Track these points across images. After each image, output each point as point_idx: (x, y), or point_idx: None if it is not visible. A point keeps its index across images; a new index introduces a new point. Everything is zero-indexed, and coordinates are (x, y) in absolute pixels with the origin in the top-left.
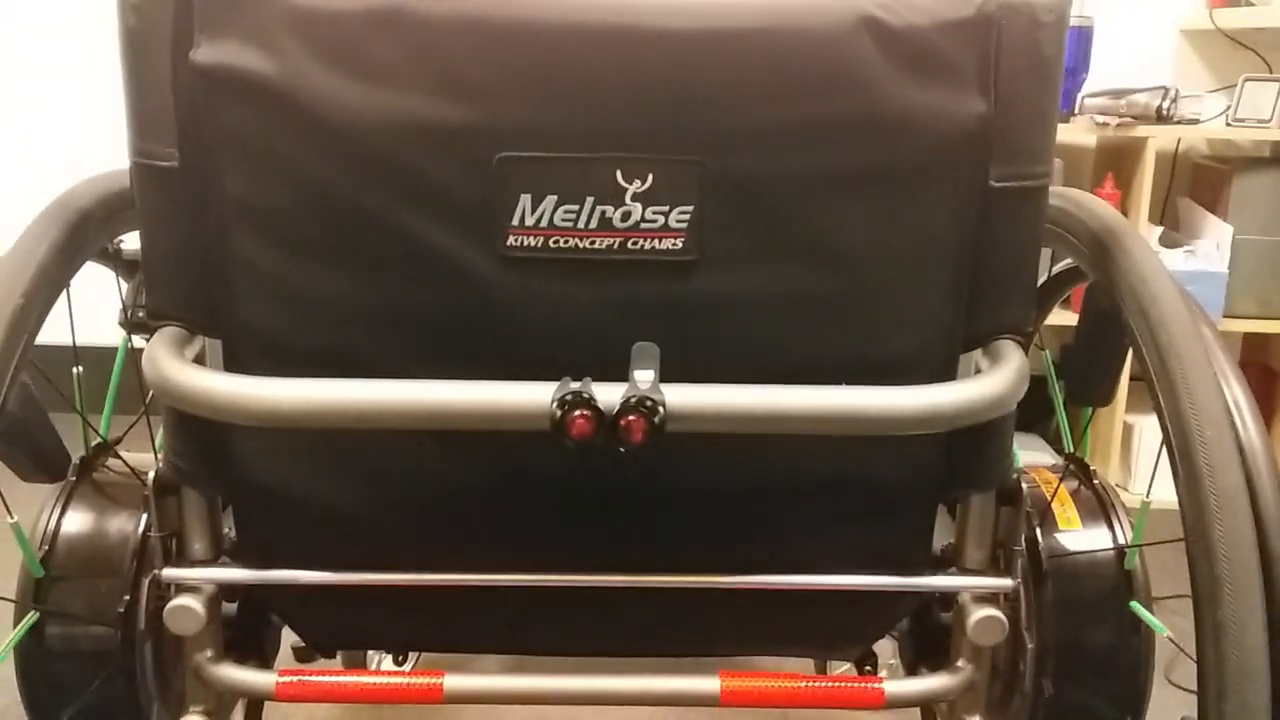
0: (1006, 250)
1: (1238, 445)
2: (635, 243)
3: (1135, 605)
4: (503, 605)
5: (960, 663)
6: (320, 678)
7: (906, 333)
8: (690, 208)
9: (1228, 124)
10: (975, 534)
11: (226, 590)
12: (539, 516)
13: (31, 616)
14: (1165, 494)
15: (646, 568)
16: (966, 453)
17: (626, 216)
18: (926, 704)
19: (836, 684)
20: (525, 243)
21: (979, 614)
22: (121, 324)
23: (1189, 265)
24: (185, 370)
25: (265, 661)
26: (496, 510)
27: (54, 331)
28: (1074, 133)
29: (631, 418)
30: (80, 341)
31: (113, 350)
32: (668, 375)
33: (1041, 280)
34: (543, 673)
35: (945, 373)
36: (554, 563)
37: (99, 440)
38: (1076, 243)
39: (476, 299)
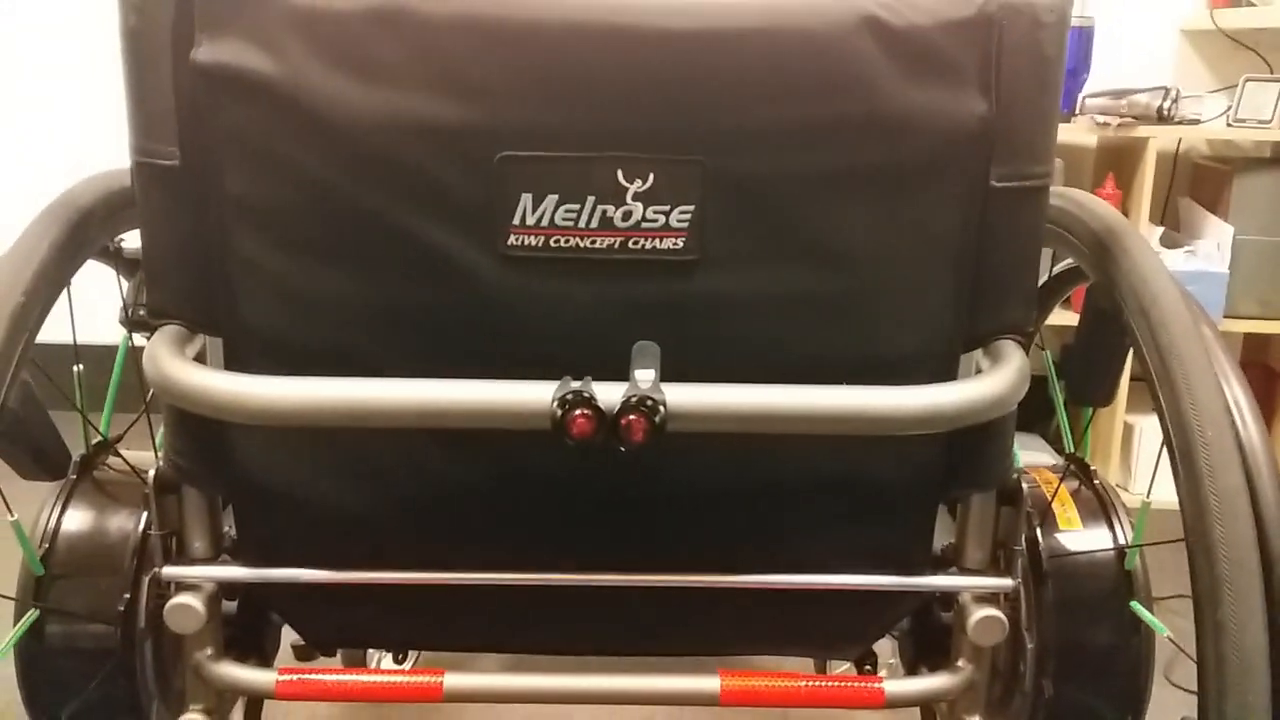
0: (1007, 250)
1: (1238, 445)
2: (636, 242)
3: (1135, 605)
4: (503, 604)
5: (960, 663)
6: (320, 676)
7: (907, 333)
8: (691, 207)
9: (1228, 124)
10: (976, 534)
11: (226, 588)
12: (539, 516)
13: (32, 614)
14: (1166, 494)
15: (647, 567)
16: (967, 453)
17: (627, 216)
18: (926, 704)
19: (836, 684)
20: (526, 242)
21: (979, 614)
22: (122, 322)
23: (1189, 265)
24: (186, 369)
25: (265, 660)
26: (496, 509)
27: (55, 330)
28: (1075, 133)
29: (632, 417)
30: (81, 340)
31: (113, 349)
32: (668, 375)
33: (1042, 280)
34: (542, 672)
35: (946, 373)
36: (554, 562)
37: (99, 438)
38: (1077, 243)
39: (477, 298)
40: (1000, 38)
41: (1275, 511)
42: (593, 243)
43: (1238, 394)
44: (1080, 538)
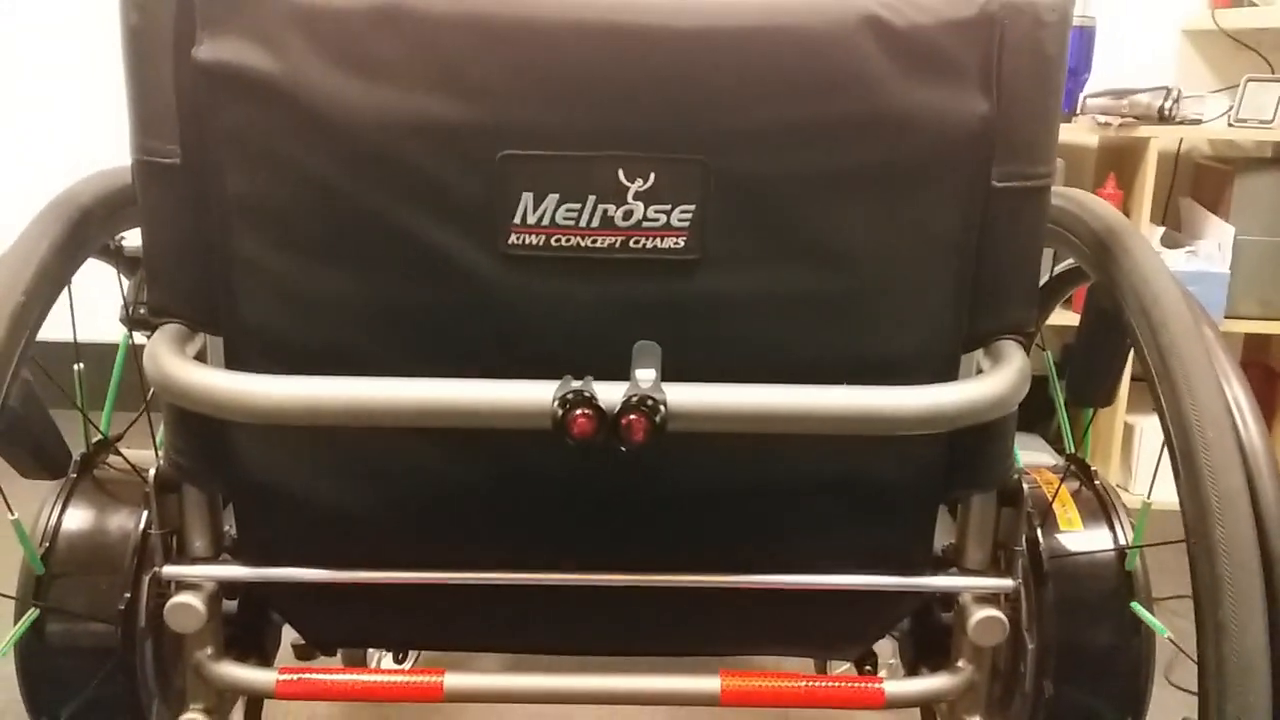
0: (1008, 250)
1: (1239, 446)
2: (637, 242)
3: (1136, 606)
4: (503, 604)
5: (961, 663)
6: (320, 676)
7: (908, 333)
8: (692, 207)
9: (1230, 124)
10: (976, 534)
11: (227, 588)
12: (539, 516)
13: (32, 613)
14: (1166, 495)
15: (647, 567)
16: (968, 453)
17: (628, 215)
18: (926, 704)
19: (836, 684)
20: (527, 241)
21: (980, 614)
22: (123, 321)
23: (1191, 266)
24: (186, 367)
25: (265, 659)
26: (497, 509)
27: (55, 328)
28: (1076, 133)
29: (633, 417)
30: (81, 338)
31: (114, 347)
32: (669, 374)
33: (1043, 280)
34: (542, 672)
35: (947, 373)
36: (554, 562)
37: (100, 437)
38: (1078, 243)
39: (478, 298)
40: (1002, 37)
41: (1276, 512)
42: (593, 242)
43: (1238, 394)
44: (1081, 538)
